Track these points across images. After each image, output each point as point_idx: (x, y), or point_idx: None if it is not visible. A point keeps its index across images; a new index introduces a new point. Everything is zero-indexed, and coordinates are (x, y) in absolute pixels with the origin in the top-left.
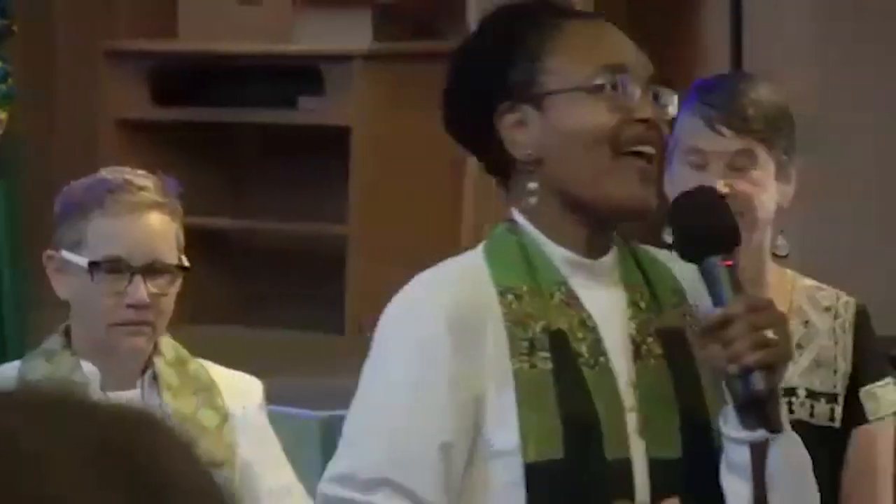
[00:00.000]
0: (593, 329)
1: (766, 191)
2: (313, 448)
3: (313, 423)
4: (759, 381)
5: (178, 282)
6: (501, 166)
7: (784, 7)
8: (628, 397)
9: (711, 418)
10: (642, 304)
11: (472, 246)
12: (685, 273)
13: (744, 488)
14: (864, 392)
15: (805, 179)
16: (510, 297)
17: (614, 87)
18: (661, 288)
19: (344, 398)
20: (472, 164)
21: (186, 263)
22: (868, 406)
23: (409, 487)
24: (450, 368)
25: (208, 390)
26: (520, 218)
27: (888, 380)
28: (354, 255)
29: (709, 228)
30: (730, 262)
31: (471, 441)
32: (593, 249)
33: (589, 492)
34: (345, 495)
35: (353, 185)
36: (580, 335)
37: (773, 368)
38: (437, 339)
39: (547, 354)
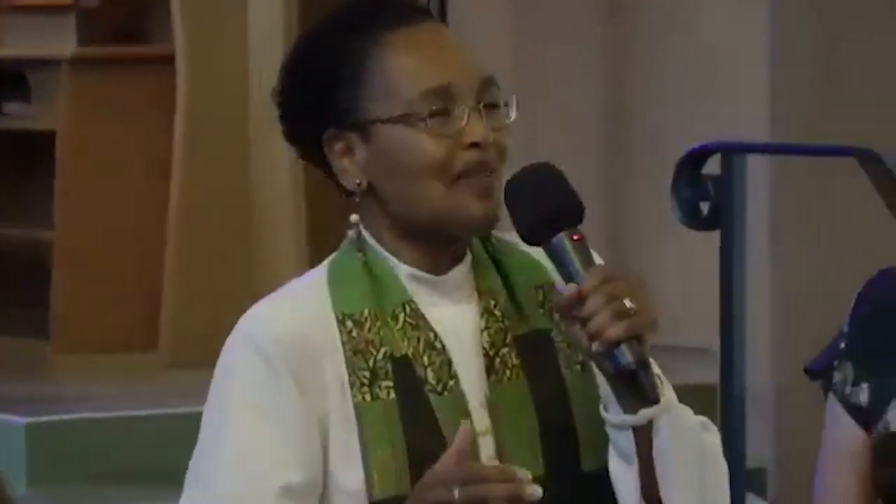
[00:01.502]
0: (441, 350)
1: None
2: (18, 454)
3: (18, 428)
4: (626, 354)
5: None
6: (342, 188)
7: None
8: (481, 420)
9: (578, 426)
10: (497, 312)
11: (178, 248)
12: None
13: (630, 474)
14: None
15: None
16: (349, 324)
17: (437, 113)
18: (521, 287)
19: (50, 404)
20: (178, 166)
21: None
22: None
23: None
24: (286, 405)
25: None
26: (366, 233)
27: None
28: (60, 260)
29: (547, 205)
30: (577, 236)
31: (322, 474)
32: (439, 264)
33: None
34: None
35: (59, 189)
36: (426, 360)
37: (638, 339)
38: (268, 378)
39: (390, 383)
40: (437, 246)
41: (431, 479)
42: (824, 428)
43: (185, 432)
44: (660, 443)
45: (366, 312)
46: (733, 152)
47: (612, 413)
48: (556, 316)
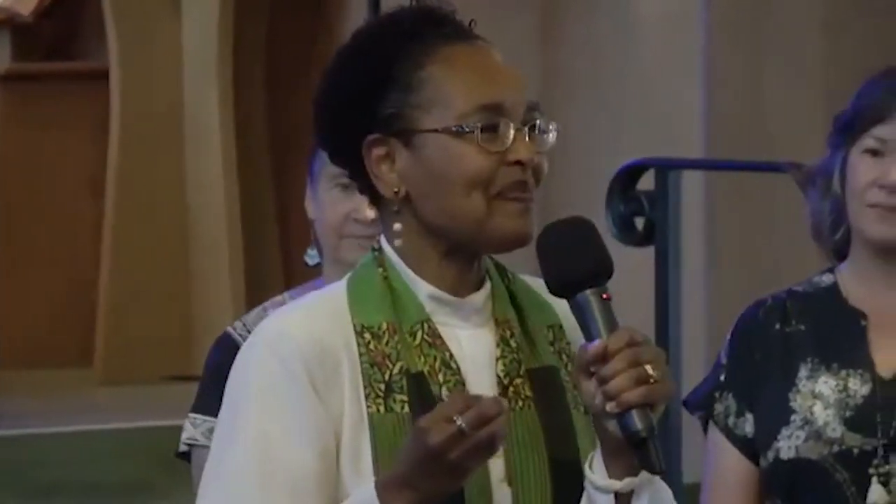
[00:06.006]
0: (456, 371)
1: None
2: None
3: None
4: (637, 421)
5: None
6: (372, 195)
7: None
8: None
9: (584, 462)
10: (513, 343)
11: (113, 265)
12: (565, 305)
13: None
14: None
15: None
16: (367, 336)
17: (487, 129)
18: (534, 323)
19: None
20: (112, 180)
21: None
22: None
23: None
24: (301, 404)
25: None
26: (387, 247)
27: None
28: None
29: (582, 263)
30: (606, 295)
31: (336, 471)
32: (462, 286)
33: None
34: None
35: None
36: (441, 378)
37: (651, 407)
38: (284, 379)
39: (405, 398)
40: (462, 265)
41: (427, 423)
42: (706, 460)
43: (117, 447)
44: None
45: (384, 326)
46: (667, 168)
47: (598, 474)
48: (565, 357)
